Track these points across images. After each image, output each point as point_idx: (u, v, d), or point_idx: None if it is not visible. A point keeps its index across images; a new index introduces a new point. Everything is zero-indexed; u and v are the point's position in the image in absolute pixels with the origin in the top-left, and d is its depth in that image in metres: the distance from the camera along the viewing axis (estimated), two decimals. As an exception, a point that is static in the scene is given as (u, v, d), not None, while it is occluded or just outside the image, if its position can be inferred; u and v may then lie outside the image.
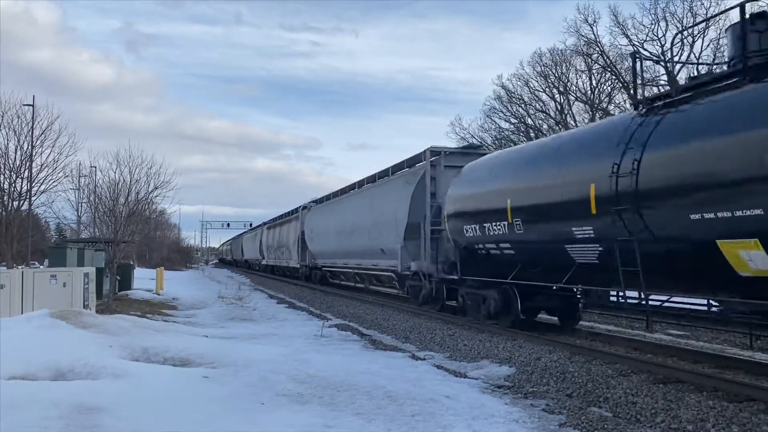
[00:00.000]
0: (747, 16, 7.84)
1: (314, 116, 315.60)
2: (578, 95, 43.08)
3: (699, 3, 34.74)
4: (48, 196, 26.84)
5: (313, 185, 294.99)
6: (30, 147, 24.22)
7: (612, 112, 37.98)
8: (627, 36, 37.85)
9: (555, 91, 44.27)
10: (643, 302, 9.25)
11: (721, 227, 7.43)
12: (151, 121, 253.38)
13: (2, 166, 23.76)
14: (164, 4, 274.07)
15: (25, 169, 24.28)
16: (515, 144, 37.47)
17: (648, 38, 36.42)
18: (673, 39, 40.75)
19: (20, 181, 24.38)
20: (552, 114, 45.01)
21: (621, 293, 9.65)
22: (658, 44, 36.10)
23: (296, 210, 37.28)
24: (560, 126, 41.08)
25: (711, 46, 33.93)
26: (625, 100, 38.00)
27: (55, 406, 6.14)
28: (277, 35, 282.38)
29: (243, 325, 16.43)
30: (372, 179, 24.25)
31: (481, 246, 13.51)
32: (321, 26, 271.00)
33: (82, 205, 38.64)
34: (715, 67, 10.84)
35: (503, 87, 47.01)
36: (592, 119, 39.13)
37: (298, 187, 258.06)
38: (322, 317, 17.78)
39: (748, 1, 7.62)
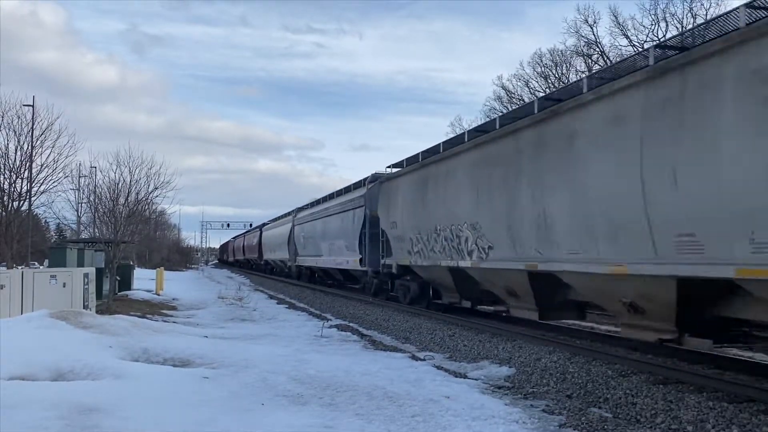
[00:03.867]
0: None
1: (316, 117, 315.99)
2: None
3: (699, 4, 34.78)
4: (48, 196, 26.85)
5: (314, 186, 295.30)
6: (30, 147, 24.24)
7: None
8: (627, 37, 37.91)
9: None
10: None
11: None
12: (154, 122, 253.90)
13: (2, 167, 23.77)
14: (169, 6, 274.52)
15: (25, 170, 24.29)
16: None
17: (648, 39, 36.45)
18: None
19: (20, 181, 24.38)
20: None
21: None
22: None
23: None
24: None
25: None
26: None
27: (55, 406, 6.14)
28: (280, 36, 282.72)
29: (243, 326, 16.43)
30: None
31: None
32: (324, 28, 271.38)
33: (82, 206, 38.65)
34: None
35: (503, 87, 47.12)
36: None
37: (299, 188, 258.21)
38: (322, 318, 17.78)
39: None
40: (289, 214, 39.13)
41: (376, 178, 21.05)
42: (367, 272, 21.75)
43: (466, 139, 13.89)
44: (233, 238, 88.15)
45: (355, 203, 23.07)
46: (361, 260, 21.81)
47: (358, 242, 21.87)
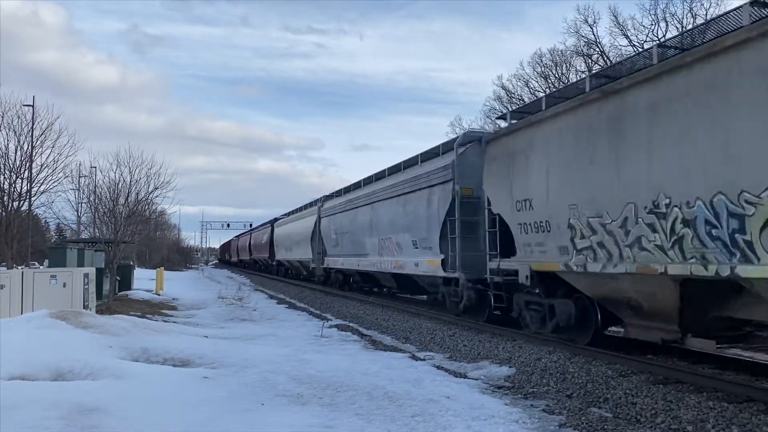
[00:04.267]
0: None
1: (316, 117, 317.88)
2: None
3: (699, 4, 34.81)
4: (48, 196, 26.77)
5: (314, 186, 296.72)
6: (30, 147, 24.20)
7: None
8: (627, 37, 37.90)
9: (555, 91, 44.29)
10: None
11: None
12: (155, 123, 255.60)
13: (2, 167, 23.71)
14: (170, 6, 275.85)
15: (25, 170, 24.25)
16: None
17: (648, 39, 36.44)
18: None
19: (20, 181, 24.33)
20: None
21: None
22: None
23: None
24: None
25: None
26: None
27: (55, 406, 6.14)
28: (281, 37, 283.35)
29: (243, 326, 16.43)
30: None
31: None
32: (324, 28, 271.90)
33: (82, 206, 38.62)
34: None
35: (503, 87, 47.11)
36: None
37: (300, 187, 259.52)
38: (322, 318, 17.78)
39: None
40: (312, 204, 31.81)
41: (472, 138, 14.66)
42: (455, 280, 14.62)
43: (745, 20, 7.52)
44: (237, 236, 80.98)
45: (433, 178, 15.94)
46: (444, 262, 15.13)
47: (440, 236, 15.32)
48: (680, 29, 33.93)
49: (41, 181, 24.68)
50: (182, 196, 74.02)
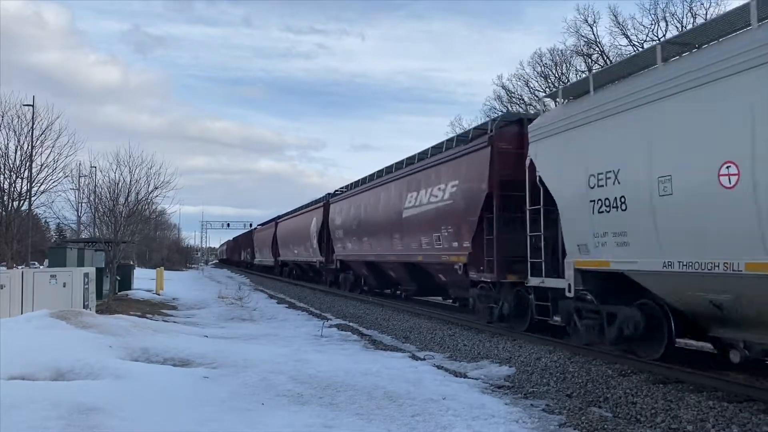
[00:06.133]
0: None
1: (317, 117, 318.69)
2: (578, 95, 42.99)
3: (699, 3, 34.78)
4: (48, 196, 26.89)
5: (315, 186, 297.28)
6: (30, 147, 24.26)
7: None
8: (627, 36, 37.89)
9: (555, 91, 44.22)
10: None
11: None
12: (156, 123, 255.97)
13: (2, 166, 23.79)
14: (172, 7, 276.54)
15: (25, 169, 24.31)
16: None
17: (648, 38, 36.44)
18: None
19: (20, 181, 24.41)
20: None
21: None
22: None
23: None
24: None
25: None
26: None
27: (55, 406, 6.14)
28: (283, 37, 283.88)
29: (243, 325, 16.43)
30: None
31: None
32: (325, 28, 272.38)
33: (82, 206, 38.63)
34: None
35: (503, 87, 47.07)
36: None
37: (300, 187, 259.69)
38: (322, 317, 17.78)
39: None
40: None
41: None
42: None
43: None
44: (262, 224, 55.32)
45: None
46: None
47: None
48: (680, 29, 33.95)
49: (41, 181, 24.78)
50: (183, 196, 74.30)
